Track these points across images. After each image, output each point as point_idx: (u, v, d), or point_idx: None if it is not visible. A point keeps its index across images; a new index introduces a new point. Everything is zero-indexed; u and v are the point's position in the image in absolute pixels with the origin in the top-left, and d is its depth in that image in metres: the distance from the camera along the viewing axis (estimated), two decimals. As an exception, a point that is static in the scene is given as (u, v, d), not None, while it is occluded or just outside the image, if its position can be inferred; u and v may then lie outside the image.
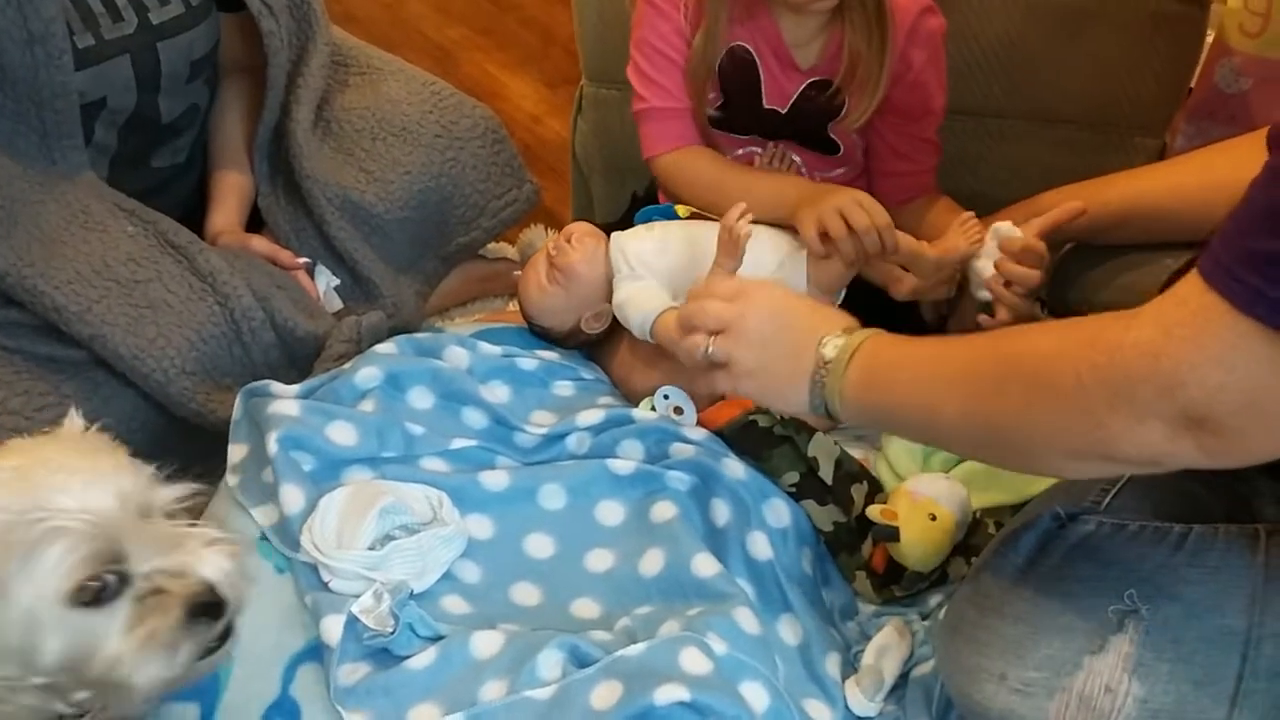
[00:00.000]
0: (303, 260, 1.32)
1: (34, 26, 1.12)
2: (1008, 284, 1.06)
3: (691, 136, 1.21)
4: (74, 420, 0.80)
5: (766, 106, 1.19)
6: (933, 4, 1.16)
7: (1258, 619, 0.74)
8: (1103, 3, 1.28)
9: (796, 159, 1.23)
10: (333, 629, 0.87)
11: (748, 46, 1.16)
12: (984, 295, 1.08)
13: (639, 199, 1.38)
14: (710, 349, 0.85)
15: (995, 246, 1.07)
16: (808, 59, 1.17)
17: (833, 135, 1.20)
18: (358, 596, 0.89)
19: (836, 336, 0.82)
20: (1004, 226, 1.07)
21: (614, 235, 1.18)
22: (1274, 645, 0.74)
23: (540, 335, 1.23)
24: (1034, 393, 0.69)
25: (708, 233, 1.09)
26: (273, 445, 0.99)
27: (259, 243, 1.31)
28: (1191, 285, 0.63)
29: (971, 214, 1.10)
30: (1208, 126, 1.49)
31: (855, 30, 1.12)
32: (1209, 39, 1.43)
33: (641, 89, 1.20)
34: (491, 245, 1.55)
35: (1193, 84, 1.45)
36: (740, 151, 1.24)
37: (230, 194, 1.37)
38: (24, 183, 1.18)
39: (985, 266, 1.07)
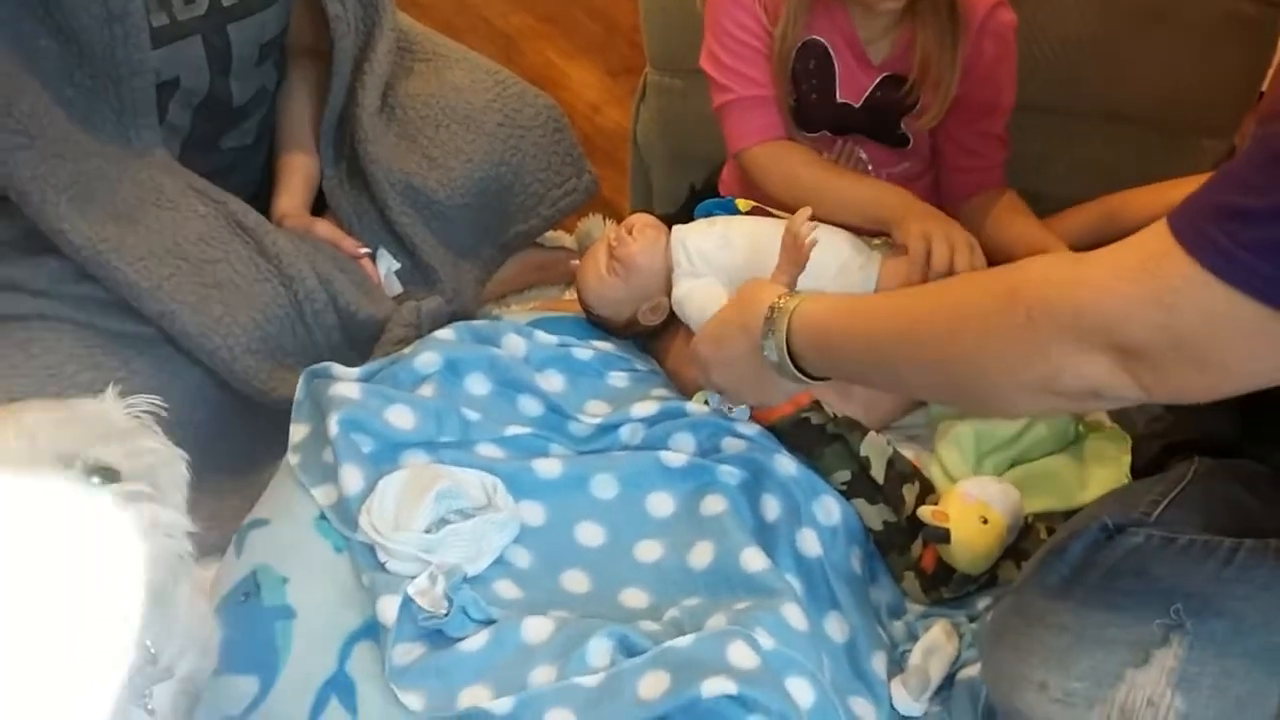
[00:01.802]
0: (363, 250, 1.33)
1: (113, 5, 1.15)
2: None
3: (780, 128, 1.19)
4: (110, 394, 0.79)
5: (840, 100, 1.19)
6: (1014, 23, 1.15)
7: None
8: (1175, 2, 1.26)
9: (863, 155, 1.22)
10: (389, 609, 0.89)
11: (822, 40, 1.16)
12: None
13: (696, 191, 1.39)
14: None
15: None
16: (880, 54, 1.16)
17: (905, 130, 1.20)
18: (413, 578, 0.91)
19: (775, 304, 0.91)
20: None
21: (675, 229, 1.18)
22: None
23: (597, 325, 1.24)
24: (986, 335, 0.74)
25: (770, 230, 1.09)
26: (333, 426, 1.01)
27: (323, 228, 1.34)
28: (1152, 231, 0.67)
29: None
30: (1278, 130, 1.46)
31: (927, 28, 1.12)
32: (1283, 41, 1.40)
33: (725, 79, 1.18)
34: (549, 234, 1.57)
35: (1264, 87, 1.42)
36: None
37: (296, 176, 1.39)
38: (101, 159, 1.21)
39: None
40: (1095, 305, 0.68)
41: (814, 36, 1.16)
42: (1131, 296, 0.66)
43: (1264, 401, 0.89)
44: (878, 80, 1.17)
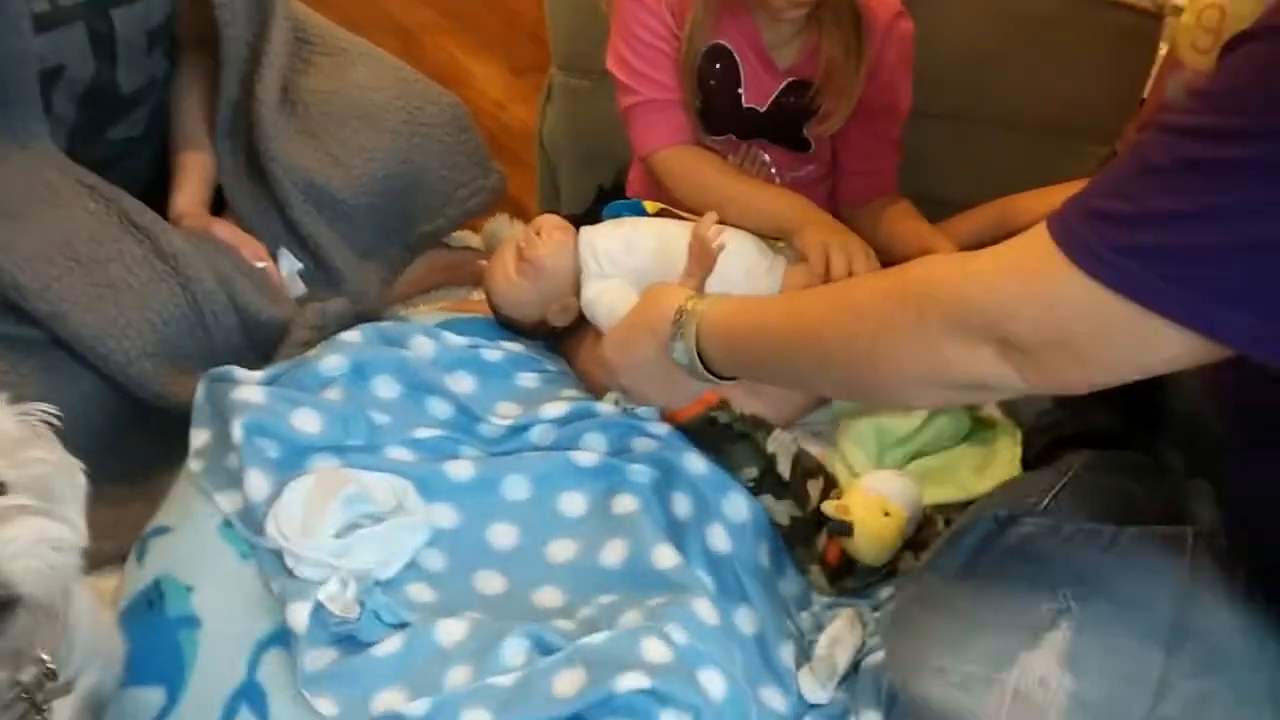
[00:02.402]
0: (261, 263, 1.30)
1: None
2: None
3: (687, 132, 1.21)
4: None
5: (746, 105, 1.21)
6: (903, 9, 1.18)
7: (1182, 618, 0.78)
8: (1064, 11, 1.32)
9: (767, 158, 1.24)
10: (299, 615, 0.88)
11: (728, 45, 1.18)
12: None
13: (605, 191, 1.40)
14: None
15: None
16: (785, 60, 1.19)
17: (807, 135, 1.23)
18: (323, 583, 0.90)
19: (683, 307, 0.94)
20: None
21: (583, 231, 1.19)
22: (1196, 642, 0.78)
23: (506, 326, 1.24)
24: (880, 332, 0.79)
25: (677, 232, 1.11)
26: (238, 431, 0.99)
27: (222, 229, 1.30)
28: (1034, 232, 0.71)
29: None
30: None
31: (831, 35, 1.14)
32: (1162, 52, 1.47)
33: (631, 82, 1.19)
34: (456, 234, 1.56)
35: (1145, 94, 1.49)
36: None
37: (193, 174, 1.36)
38: None
39: None
40: (980, 301, 0.72)
41: (719, 41, 1.18)
42: (1013, 293, 0.71)
43: (1145, 396, 0.95)
44: (783, 85, 1.20)
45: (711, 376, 0.93)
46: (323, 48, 1.44)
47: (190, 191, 1.34)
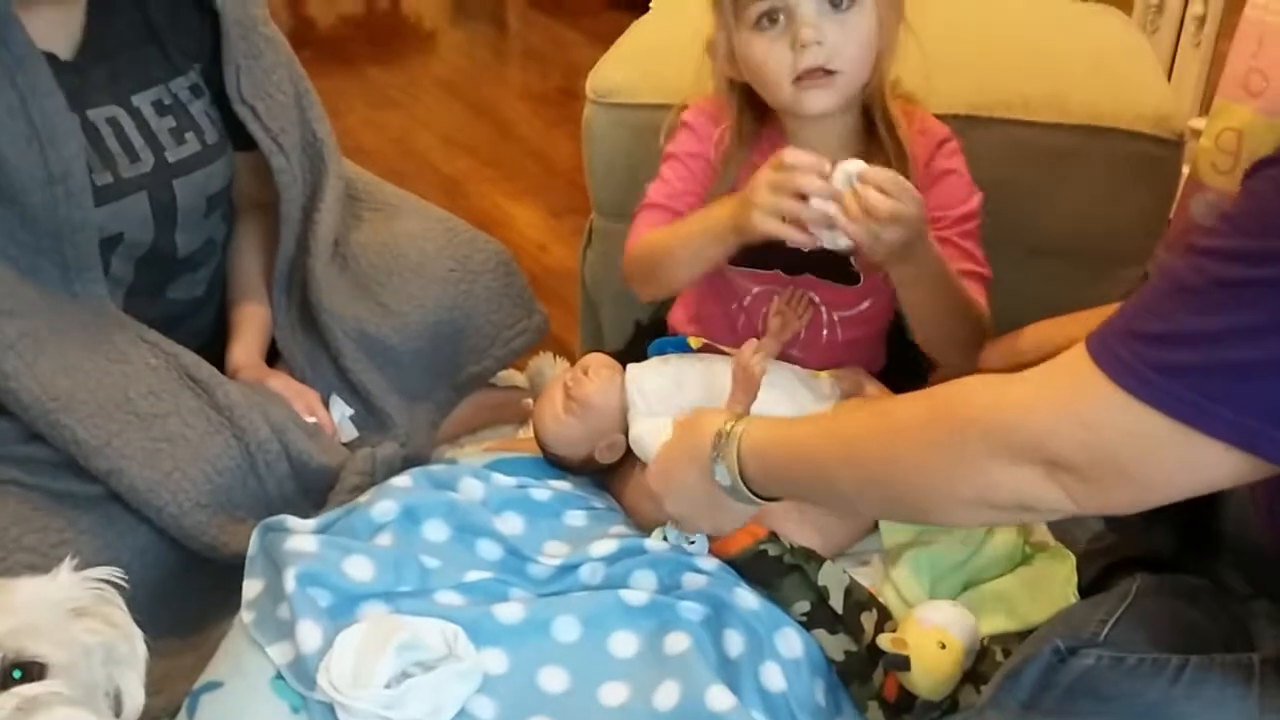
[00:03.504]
0: (311, 420, 1.32)
1: (54, 166, 1.16)
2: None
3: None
4: (65, 568, 0.79)
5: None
6: (950, 135, 1.17)
7: None
8: (1082, 144, 1.35)
9: (815, 298, 1.21)
10: (351, 769, 0.87)
11: None
12: (842, 243, 1.03)
13: (642, 327, 1.42)
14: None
15: (844, 181, 1.00)
16: None
17: (855, 267, 1.20)
18: (375, 735, 0.90)
19: (722, 429, 0.94)
20: (850, 164, 1.01)
21: (629, 368, 1.21)
22: None
23: (554, 463, 1.25)
24: (922, 455, 0.78)
25: (722, 368, 1.13)
26: (290, 582, 1.00)
27: (277, 381, 1.34)
28: (1073, 353, 0.72)
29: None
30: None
31: (871, 160, 1.14)
32: (1185, 173, 1.50)
33: (650, 188, 1.20)
34: (501, 373, 1.59)
35: (1171, 215, 1.51)
36: (757, 289, 1.23)
37: (250, 326, 1.40)
38: (50, 312, 1.20)
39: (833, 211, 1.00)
40: (1023, 423, 0.72)
41: None
42: (1055, 415, 0.71)
43: (1199, 516, 0.94)
44: None
45: (754, 497, 0.93)
46: (371, 203, 1.51)
47: (247, 343, 1.38)
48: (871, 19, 1.08)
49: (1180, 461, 0.67)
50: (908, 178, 1.05)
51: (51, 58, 1.18)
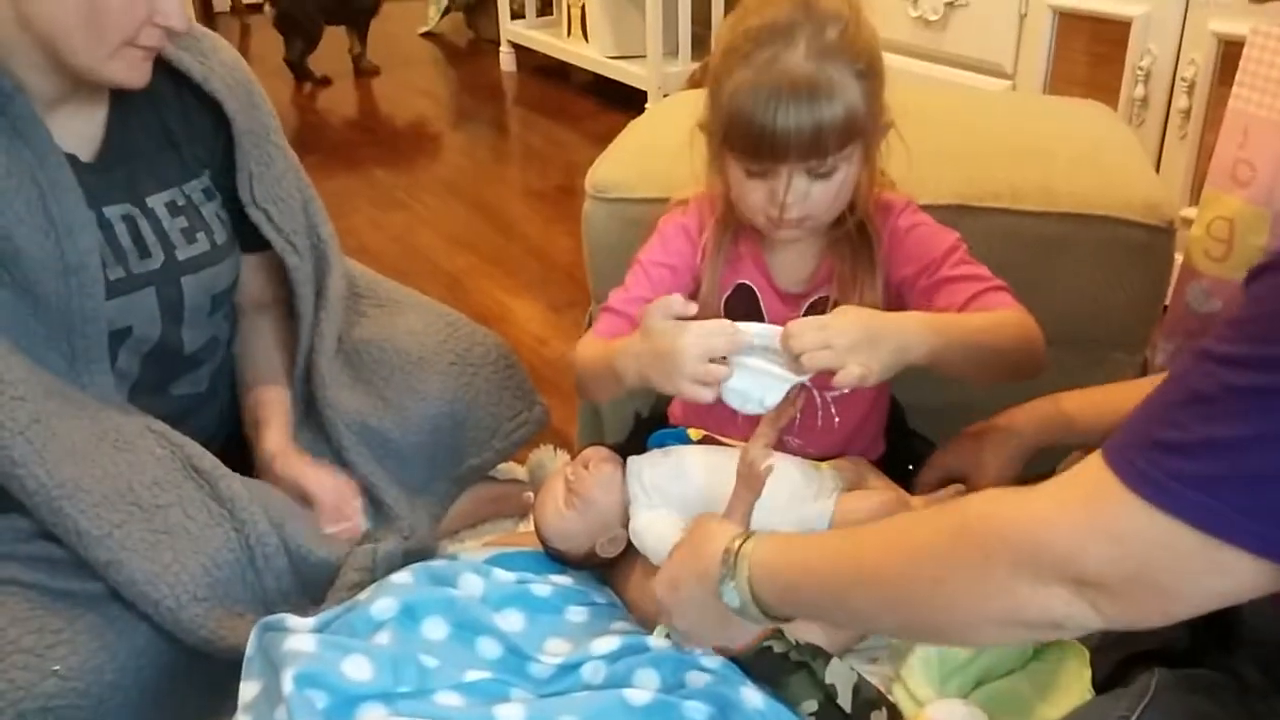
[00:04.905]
0: (330, 531, 1.31)
1: (70, 258, 1.18)
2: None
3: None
4: None
5: None
6: (907, 201, 1.19)
7: None
8: (1073, 233, 1.37)
9: (806, 381, 1.22)
10: None
11: (749, 283, 1.22)
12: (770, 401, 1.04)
13: (642, 419, 1.42)
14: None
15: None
16: (799, 285, 1.20)
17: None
18: (373, 843, 0.87)
19: (730, 549, 0.92)
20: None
21: (630, 460, 1.21)
22: None
23: (555, 558, 1.24)
24: (943, 573, 0.76)
25: (723, 459, 1.13)
26: (288, 684, 0.98)
27: (314, 477, 1.32)
28: (1091, 463, 0.70)
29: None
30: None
31: (843, 259, 1.16)
32: (1178, 260, 1.51)
33: (611, 293, 1.21)
34: (501, 466, 1.58)
35: (1167, 302, 1.52)
36: None
37: (278, 411, 1.39)
38: (61, 399, 1.20)
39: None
40: (1046, 541, 0.70)
41: (743, 280, 1.21)
42: (1079, 530, 0.69)
43: (1216, 609, 0.92)
44: (805, 307, 1.20)
45: (765, 617, 0.91)
46: (373, 299, 1.53)
47: (279, 428, 1.37)
48: (854, 170, 1.10)
49: (1209, 572, 0.66)
50: (873, 258, 1.12)
51: (73, 159, 1.21)
